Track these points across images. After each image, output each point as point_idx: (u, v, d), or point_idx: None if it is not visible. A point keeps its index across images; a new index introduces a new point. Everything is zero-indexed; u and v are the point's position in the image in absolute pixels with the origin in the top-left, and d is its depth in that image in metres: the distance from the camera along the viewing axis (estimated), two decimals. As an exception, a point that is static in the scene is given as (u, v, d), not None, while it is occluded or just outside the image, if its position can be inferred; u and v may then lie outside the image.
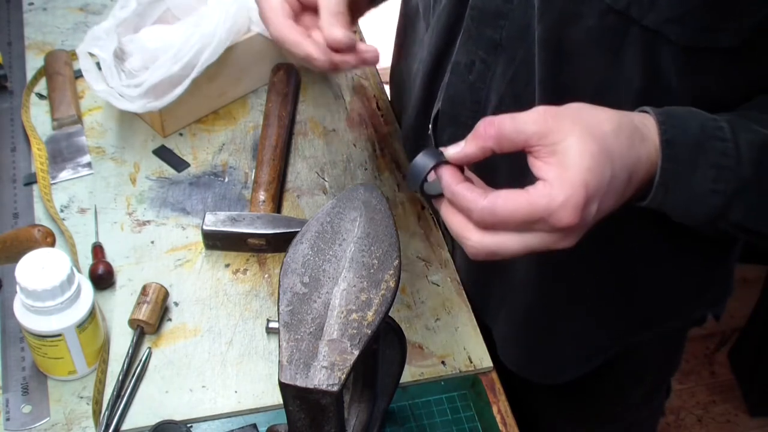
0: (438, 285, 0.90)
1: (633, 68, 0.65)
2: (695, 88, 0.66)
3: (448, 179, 0.61)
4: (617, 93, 0.67)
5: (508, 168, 0.76)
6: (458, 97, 0.78)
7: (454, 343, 0.85)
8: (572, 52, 0.66)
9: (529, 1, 0.68)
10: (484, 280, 0.91)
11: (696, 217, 0.64)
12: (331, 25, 0.70)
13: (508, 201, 0.58)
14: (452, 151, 0.62)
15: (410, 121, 0.92)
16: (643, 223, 0.74)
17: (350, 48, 0.70)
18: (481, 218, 0.58)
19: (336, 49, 0.70)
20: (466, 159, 0.61)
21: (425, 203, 0.97)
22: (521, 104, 0.72)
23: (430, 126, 0.84)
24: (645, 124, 0.62)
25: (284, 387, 0.56)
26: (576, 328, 0.89)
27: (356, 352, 0.57)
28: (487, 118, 0.60)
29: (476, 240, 0.60)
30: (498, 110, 0.75)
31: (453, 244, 0.94)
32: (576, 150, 0.57)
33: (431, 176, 0.62)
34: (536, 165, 0.59)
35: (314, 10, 0.73)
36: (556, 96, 0.67)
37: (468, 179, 0.62)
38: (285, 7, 0.73)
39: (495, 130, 0.59)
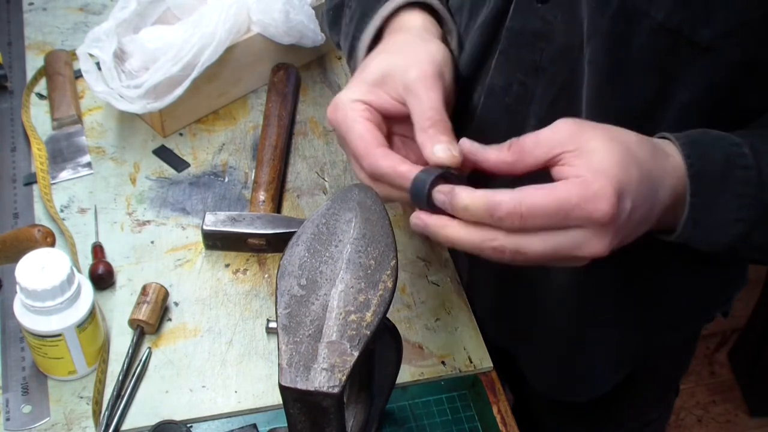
0: (438, 285, 0.90)
1: (681, 85, 0.64)
2: (741, 101, 0.66)
3: (460, 190, 0.58)
4: (666, 110, 0.66)
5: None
6: (493, 121, 0.76)
7: (454, 343, 0.85)
8: (621, 73, 0.65)
9: (571, 22, 0.66)
10: (509, 307, 0.90)
11: (719, 245, 0.63)
12: (430, 140, 0.64)
13: (538, 191, 0.56)
14: (470, 144, 0.61)
15: None
16: None
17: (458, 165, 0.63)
18: (509, 211, 0.55)
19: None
20: (480, 157, 0.60)
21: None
22: None
23: None
24: (665, 145, 0.62)
25: (285, 390, 0.56)
26: (610, 339, 0.87)
27: (356, 353, 0.57)
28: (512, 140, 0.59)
29: (501, 239, 0.57)
30: None
31: (469, 274, 0.92)
32: (602, 149, 0.57)
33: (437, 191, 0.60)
34: (563, 171, 0.57)
35: (401, 119, 0.69)
36: (605, 118, 0.65)
37: None
38: (376, 135, 0.66)
39: (516, 145, 0.59)
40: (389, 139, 0.70)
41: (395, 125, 0.70)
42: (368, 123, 0.67)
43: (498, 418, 0.81)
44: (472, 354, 0.85)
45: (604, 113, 0.66)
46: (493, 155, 0.60)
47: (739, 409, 1.94)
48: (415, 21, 0.74)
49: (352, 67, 0.77)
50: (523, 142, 0.59)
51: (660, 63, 0.63)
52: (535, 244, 0.57)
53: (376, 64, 0.70)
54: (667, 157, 0.61)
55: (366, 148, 0.65)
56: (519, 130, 0.73)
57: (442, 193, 0.59)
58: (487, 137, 0.76)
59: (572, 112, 0.70)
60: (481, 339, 0.86)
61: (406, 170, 0.63)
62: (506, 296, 0.89)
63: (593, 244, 0.57)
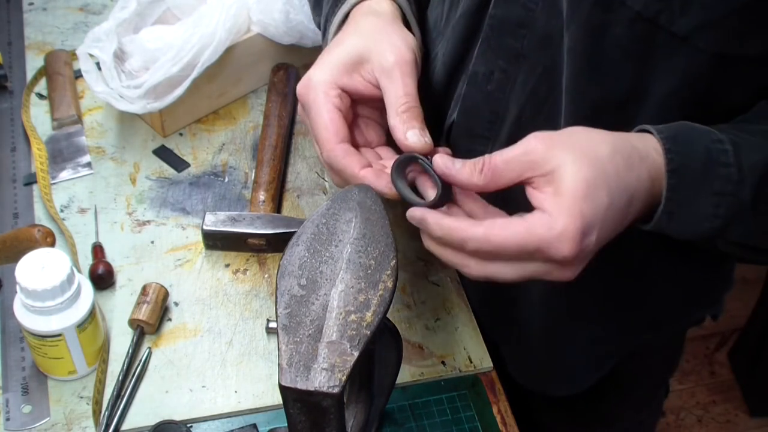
0: (438, 285, 0.90)
1: (659, 76, 0.65)
2: (719, 94, 0.66)
3: (435, 215, 0.61)
4: (642, 100, 0.66)
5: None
6: (475, 109, 0.77)
7: (454, 343, 0.85)
8: (600, 61, 0.65)
9: (552, 10, 0.67)
10: (494, 300, 0.90)
11: (695, 237, 0.64)
12: (404, 124, 0.66)
13: (505, 229, 0.58)
14: (443, 161, 0.62)
15: None
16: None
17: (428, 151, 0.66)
18: (477, 248, 0.58)
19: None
20: (453, 174, 0.61)
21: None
22: (542, 114, 0.71)
23: (441, 139, 0.83)
24: (645, 144, 0.62)
25: (285, 390, 0.56)
26: (589, 337, 0.88)
27: (356, 353, 0.57)
28: (479, 159, 0.61)
29: (474, 268, 0.60)
30: (518, 121, 0.73)
31: None
32: (571, 177, 0.57)
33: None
34: (533, 195, 0.59)
35: (369, 101, 0.71)
36: (584, 106, 0.67)
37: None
38: (340, 128, 0.68)
39: (488, 167, 0.60)
40: (354, 121, 0.72)
41: (361, 107, 0.72)
42: (336, 113, 0.69)
43: (498, 418, 0.81)
44: (472, 354, 0.85)
45: (582, 102, 0.68)
46: (465, 175, 0.61)
47: (739, 409, 1.94)
48: (385, 7, 0.76)
49: (323, 46, 0.79)
50: (495, 164, 0.60)
51: (638, 53, 0.64)
52: (504, 272, 0.60)
53: (350, 44, 0.71)
54: (643, 160, 0.61)
55: (329, 141, 0.68)
56: (500, 117, 0.75)
57: (413, 219, 0.63)
58: (469, 124, 0.77)
59: (551, 99, 0.71)
60: (481, 339, 0.86)
61: (361, 175, 0.66)
62: (491, 288, 0.90)
63: (559, 274, 0.59)
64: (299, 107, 0.73)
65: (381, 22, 0.74)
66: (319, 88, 0.69)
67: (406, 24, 0.78)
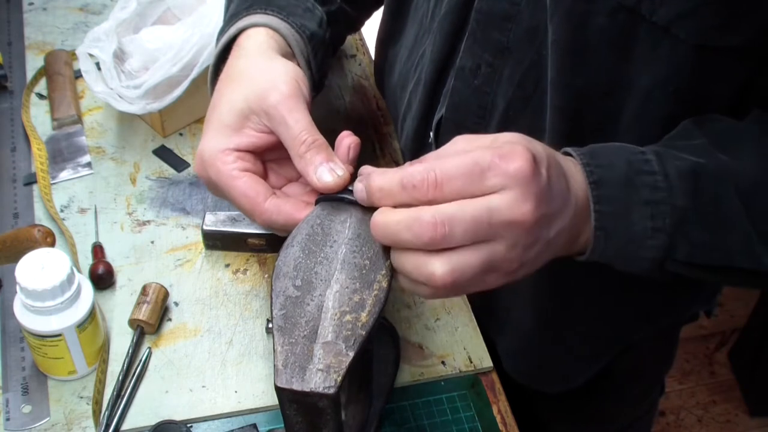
0: (437, 285, 0.90)
1: (642, 68, 0.65)
2: (703, 88, 0.66)
3: (373, 174, 0.58)
4: (627, 93, 0.67)
5: None
6: (463, 103, 0.77)
7: (454, 343, 0.85)
8: (583, 53, 0.65)
9: (537, 3, 0.67)
10: (489, 295, 0.91)
11: (642, 261, 0.62)
12: (311, 165, 0.63)
13: (451, 156, 0.55)
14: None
15: (410, 131, 0.90)
16: None
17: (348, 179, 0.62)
18: (422, 179, 0.54)
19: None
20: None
21: None
22: (530, 107, 0.72)
23: (431, 134, 0.83)
24: (569, 165, 0.61)
25: (280, 391, 0.56)
26: (581, 332, 0.88)
27: (351, 354, 0.57)
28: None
29: (438, 266, 0.54)
30: (506, 115, 0.74)
31: None
32: (507, 134, 0.57)
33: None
34: None
35: (272, 147, 0.67)
36: (569, 98, 0.67)
37: None
38: (258, 189, 0.64)
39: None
40: (265, 167, 0.69)
41: (267, 153, 0.69)
42: (246, 177, 0.65)
43: (498, 418, 0.81)
44: (472, 354, 0.85)
45: (567, 94, 0.68)
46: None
47: (739, 409, 1.94)
48: (257, 39, 0.71)
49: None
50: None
51: (621, 44, 0.64)
52: (455, 211, 0.53)
53: (228, 102, 0.67)
54: (572, 177, 0.60)
55: (254, 206, 0.64)
56: (488, 111, 0.75)
57: (359, 184, 0.59)
58: (458, 119, 0.78)
59: (538, 93, 0.71)
60: (481, 339, 0.86)
61: (301, 217, 0.63)
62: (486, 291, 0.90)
63: (517, 207, 0.53)
64: (210, 188, 0.69)
65: (251, 63, 0.69)
66: (216, 161, 0.65)
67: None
